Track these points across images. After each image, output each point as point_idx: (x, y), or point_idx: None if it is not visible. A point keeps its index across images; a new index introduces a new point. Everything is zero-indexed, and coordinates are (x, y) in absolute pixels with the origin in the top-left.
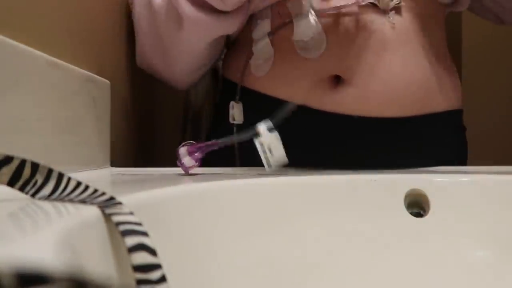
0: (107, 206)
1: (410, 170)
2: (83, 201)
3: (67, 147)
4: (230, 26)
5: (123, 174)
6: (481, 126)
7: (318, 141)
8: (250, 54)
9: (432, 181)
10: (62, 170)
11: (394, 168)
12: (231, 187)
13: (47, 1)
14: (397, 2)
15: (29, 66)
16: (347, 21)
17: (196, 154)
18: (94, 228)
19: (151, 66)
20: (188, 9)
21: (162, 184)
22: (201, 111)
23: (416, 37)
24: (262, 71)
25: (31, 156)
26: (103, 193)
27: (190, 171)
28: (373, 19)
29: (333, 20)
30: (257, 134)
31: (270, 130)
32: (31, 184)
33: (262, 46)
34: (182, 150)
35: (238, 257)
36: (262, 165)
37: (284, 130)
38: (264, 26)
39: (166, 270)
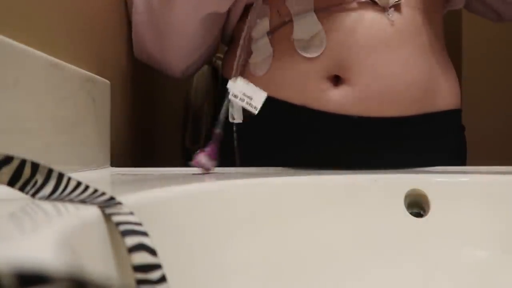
0: (107, 206)
1: (410, 170)
2: (83, 201)
3: (67, 147)
4: (221, 2)
5: (123, 174)
6: (481, 126)
7: (318, 141)
8: (249, 53)
9: (432, 181)
10: (62, 170)
11: (394, 168)
12: (231, 187)
13: (47, 1)
14: (396, 0)
15: (29, 66)
16: (347, 19)
17: (208, 150)
18: (94, 228)
19: (147, 53)
20: None
21: (162, 184)
22: (201, 111)
23: (416, 36)
24: (261, 71)
25: (31, 156)
26: (103, 193)
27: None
28: (373, 17)
29: (333, 19)
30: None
31: (234, 82)
32: (31, 184)
33: (261, 45)
34: (198, 156)
35: (238, 257)
36: (262, 165)
37: (284, 130)
38: (263, 25)
39: (166, 270)
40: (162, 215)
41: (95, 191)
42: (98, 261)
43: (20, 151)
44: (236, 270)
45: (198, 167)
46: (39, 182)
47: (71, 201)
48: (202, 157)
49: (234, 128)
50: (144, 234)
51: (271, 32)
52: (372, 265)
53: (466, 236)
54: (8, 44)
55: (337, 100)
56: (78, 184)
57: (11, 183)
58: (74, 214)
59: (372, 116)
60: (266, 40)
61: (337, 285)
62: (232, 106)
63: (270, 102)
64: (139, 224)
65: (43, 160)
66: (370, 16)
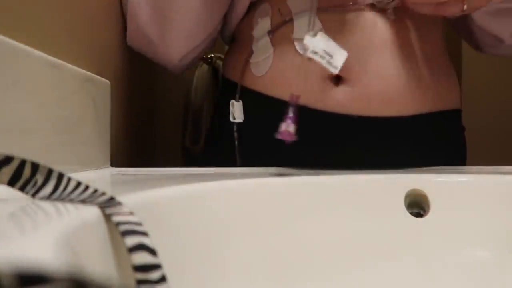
0: (107, 206)
1: (410, 170)
2: (83, 201)
3: (67, 147)
4: None
5: (123, 174)
6: (481, 126)
7: (317, 141)
8: (250, 52)
9: (432, 181)
10: (62, 170)
11: (394, 168)
12: (231, 187)
13: (47, 1)
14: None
15: (29, 66)
16: (347, 19)
17: (290, 117)
18: (94, 228)
19: (143, 36)
20: None
21: (162, 184)
22: (201, 111)
23: (416, 36)
24: (262, 70)
25: (31, 156)
26: (103, 193)
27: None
28: (373, 17)
29: (333, 19)
30: (306, 49)
31: (313, 37)
32: (31, 184)
33: (262, 45)
34: (283, 125)
35: (238, 257)
36: (263, 165)
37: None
38: (264, 25)
39: (166, 270)
40: (162, 215)
41: (95, 191)
42: (98, 261)
43: (20, 151)
44: (236, 270)
45: (285, 138)
46: (39, 182)
47: (71, 201)
48: (287, 126)
49: (235, 128)
50: (144, 234)
51: (271, 32)
52: (372, 265)
53: (466, 236)
54: (8, 44)
55: (337, 99)
56: (78, 184)
57: (11, 183)
58: (74, 214)
59: (372, 116)
60: (266, 39)
61: (337, 285)
62: (233, 106)
63: (270, 101)
64: (139, 224)
65: (43, 160)
66: (370, 16)
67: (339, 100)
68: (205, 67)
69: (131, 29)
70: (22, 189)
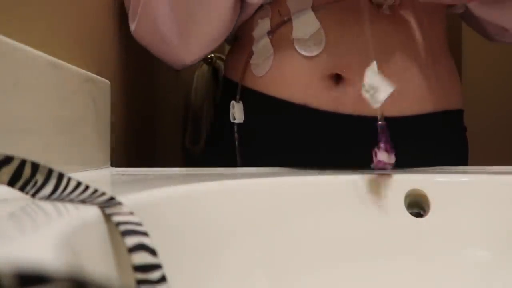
0: (107, 206)
1: (410, 170)
2: (83, 201)
3: (67, 147)
4: None
5: (123, 174)
6: (481, 126)
7: (318, 140)
8: (251, 53)
9: (432, 181)
10: (62, 170)
11: (394, 168)
12: (231, 187)
13: (47, 1)
14: None
15: (29, 66)
16: (346, 18)
17: (382, 145)
18: (94, 228)
19: (159, 35)
20: None
21: (162, 184)
22: (201, 111)
23: (417, 35)
24: (262, 71)
25: (31, 156)
26: (103, 193)
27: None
28: (373, 16)
29: (332, 18)
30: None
31: (373, 73)
32: (31, 184)
33: (262, 46)
34: (378, 156)
35: (238, 257)
36: (263, 165)
37: (284, 129)
38: (264, 25)
39: (166, 270)
40: (162, 215)
41: (95, 191)
42: (98, 261)
43: (20, 151)
44: (236, 270)
45: (381, 168)
46: (39, 182)
47: (71, 201)
48: (382, 155)
49: (235, 128)
50: (144, 234)
51: (271, 32)
52: (372, 265)
53: (466, 236)
54: (8, 44)
55: (337, 99)
56: (78, 184)
57: (11, 183)
58: (74, 214)
59: (372, 116)
60: (266, 40)
61: (337, 285)
62: (233, 107)
63: (270, 101)
64: (139, 224)
65: (43, 160)
66: (370, 14)
67: (339, 100)
68: (205, 67)
69: (144, 23)
70: (22, 189)
